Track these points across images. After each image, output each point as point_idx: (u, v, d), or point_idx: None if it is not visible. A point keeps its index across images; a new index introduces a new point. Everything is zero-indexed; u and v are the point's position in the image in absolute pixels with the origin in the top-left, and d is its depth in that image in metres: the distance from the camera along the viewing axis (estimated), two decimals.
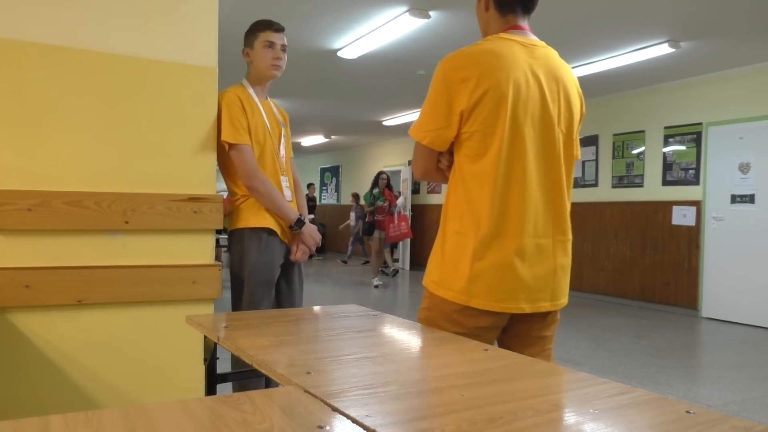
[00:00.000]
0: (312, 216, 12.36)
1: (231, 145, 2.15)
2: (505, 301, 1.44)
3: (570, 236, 1.55)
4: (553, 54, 1.54)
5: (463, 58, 1.46)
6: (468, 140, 1.46)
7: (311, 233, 2.33)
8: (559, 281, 1.51)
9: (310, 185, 13.32)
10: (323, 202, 15.88)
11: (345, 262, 12.37)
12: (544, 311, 1.50)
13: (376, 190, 8.73)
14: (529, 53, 1.47)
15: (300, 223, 2.28)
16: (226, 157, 2.20)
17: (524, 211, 1.45)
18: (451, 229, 1.51)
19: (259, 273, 2.23)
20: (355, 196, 12.43)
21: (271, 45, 2.35)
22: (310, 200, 12.82)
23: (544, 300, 1.49)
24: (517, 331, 1.53)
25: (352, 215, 12.11)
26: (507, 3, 1.52)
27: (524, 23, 1.54)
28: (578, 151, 1.64)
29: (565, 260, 1.53)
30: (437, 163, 1.56)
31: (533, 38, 1.53)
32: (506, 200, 1.44)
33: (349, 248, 12.41)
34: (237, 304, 2.27)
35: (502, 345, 1.56)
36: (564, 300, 1.55)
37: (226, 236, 2.37)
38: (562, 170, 1.51)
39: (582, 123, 1.62)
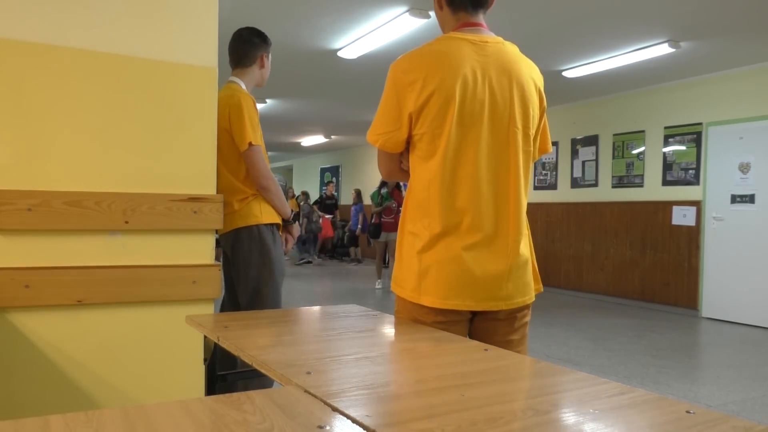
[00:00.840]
0: (331, 216, 12.35)
1: (251, 146, 2.26)
2: (452, 298, 1.43)
3: (526, 232, 1.53)
4: (508, 50, 1.50)
5: (410, 60, 1.47)
6: (419, 142, 1.47)
7: (296, 227, 2.56)
8: (515, 280, 1.48)
9: (329, 183, 13.15)
10: None
11: (321, 257, 12.38)
12: (496, 310, 1.47)
13: (384, 190, 8.19)
14: (479, 51, 1.45)
15: (295, 217, 2.52)
16: (234, 158, 2.28)
17: (474, 210, 1.44)
18: (407, 230, 1.53)
19: (279, 265, 2.39)
20: (305, 194, 12.60)
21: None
22: (329, 198, 12.69)
23: (497, 299, 1.45)
24: (481, 335, 1.51)
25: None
26: (457, 0, 1.51)
27: (477, 19, 1.52)
28: (548, 145, 1.63)
29: (521, 259, 1.49)
30: (400, 164, 1.58)
31: (486, 35, 1.50)
32: (454, 200, 1.44)
33: (310, 248, 12.44)
34: (254, 303, 2.32)
35: None
36: (522, 299, 1.50)
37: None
38: (518, 168, 1.48)
39: (544, 116, 1.58)
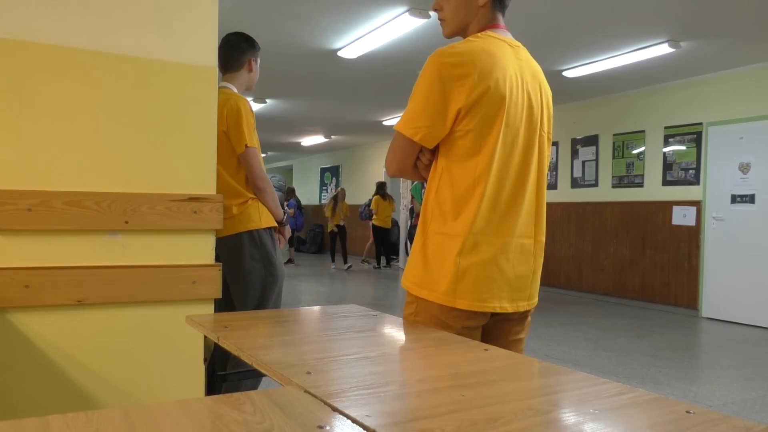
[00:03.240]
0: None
1: (248, 148, 2.30)
2: (489, 300, 1.43)
3: (544, 236, 1.57)
4: (530, 56, 1.55)
5: (460, 54, 1.40)
6: (461, 139, 1.42)
7: (288, 228, 2.60)
8: (535, 281, 1.53)
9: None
10: (323, 201, 15.86)
11: (291, 260, 12.20)
12: (523, 311, 1.51)
13: None
14: (515, 54, 1.47)
15: (287, 218, 2.57)
16: (233, 161, 2.32)
17: (512, 211, 1.45)
18: (433, 230, 1.48)
19: (280, 268, 2.43)
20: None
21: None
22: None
23: (522, 299, 1.50)
24: (497, 334, 1.52)
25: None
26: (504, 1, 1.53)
27: (503, 22, 1.55)
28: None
29: (541, 260, 1.55)
30: (416, 160, 1.52)
31: (513, 38, 1.54)
32: (496, 200, 1.44)
33: (288, 247, 12.27)
34: (261, 306, 2.35)
35: None
36: (537, 298, 1.57)
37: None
38: (544, 171, 1.53)
39: (552, 123, 1.64)
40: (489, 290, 1.43)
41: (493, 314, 1.49)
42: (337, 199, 11.64)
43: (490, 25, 1.51)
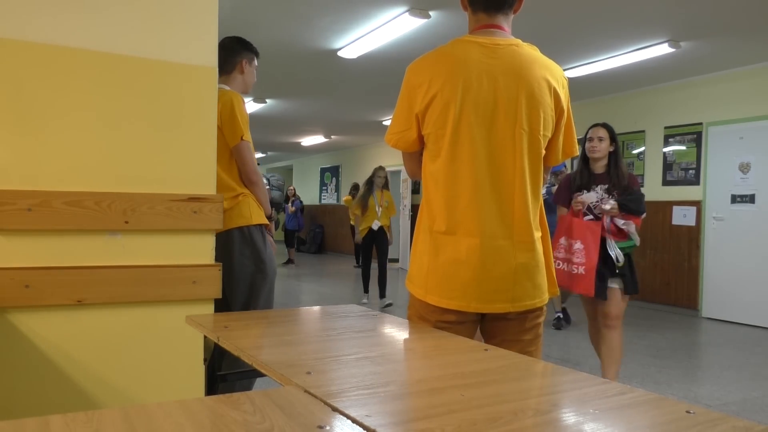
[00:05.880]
0: None
1: (242, 141, 2.30)
2: (455, 298, 1.45)
3: (536, 235, 1.50)
4: (522, 52, 1.49)
5: (419, 63, 1.52)
6: (428, 142, 1.52)
7: (272, 225, 2.57)
8: (521, 282, 1.46)
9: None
10: (323, 202, 15.87)
11: (291, 261, 12.18)
12: (503, 312, 1.47)
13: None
14: (489, 54, 1.46)
15: (273, 215, 2.59)
16: (226, 155, 2.32)
17: (475, 211, 1.45)
18: (421, 227, 1.58)
19: (271, 264, 2.40)
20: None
21: (256, 69, 2.61)
22: None
23: (502, 301, 1.46)
24: (492, 332, 1.53)
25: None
26: (474, 1, 1.54)
27: (496, 21, 1.52)
28: (573, 147, 1.60)
29: (530, 261, 1.48)
30: (420, 163, 1.62)
31: (500, 37, 1.50)
32: (456, 201, 1.47)
33: (289, 247, 12.34)
34: (249, 304, 2.33)
35: None
36: (532, 301, 1.49)
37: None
38: (524, 170, 1.47)
39: (564, 117, 1.54)
40: (456, 288, 1.45)
41: (485, 313, 1.50)
42: (372, 186, 6.80)
43: (478, 26, 1.53)
